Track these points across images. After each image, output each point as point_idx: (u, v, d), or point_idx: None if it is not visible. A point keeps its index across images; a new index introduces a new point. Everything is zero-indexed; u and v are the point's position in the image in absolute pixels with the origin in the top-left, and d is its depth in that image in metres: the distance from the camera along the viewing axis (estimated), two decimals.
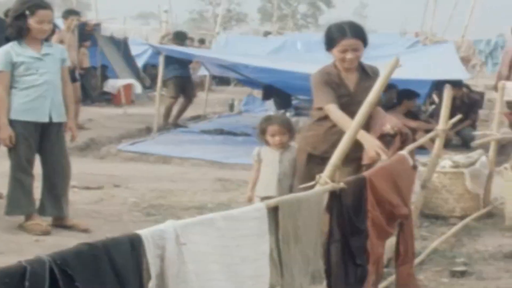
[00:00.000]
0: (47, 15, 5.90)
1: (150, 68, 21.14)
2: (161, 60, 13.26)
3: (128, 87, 17.74)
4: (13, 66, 5.86)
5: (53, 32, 6.20)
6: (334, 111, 4.95)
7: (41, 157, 6.10)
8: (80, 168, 7.79)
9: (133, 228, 5.97)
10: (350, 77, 5.16)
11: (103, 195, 7.73)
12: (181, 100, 14.34)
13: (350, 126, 4.72)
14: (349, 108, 4.91)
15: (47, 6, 5.96)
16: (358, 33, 5.08)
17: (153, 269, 2.47)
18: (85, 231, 6.08)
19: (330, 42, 5.10)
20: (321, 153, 5.08)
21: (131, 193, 7.92)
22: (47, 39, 6.05)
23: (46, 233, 5.94)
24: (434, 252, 6.02)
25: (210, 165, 10.28)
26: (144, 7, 72.94)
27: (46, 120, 5.94)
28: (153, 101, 14.64)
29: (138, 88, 18.76)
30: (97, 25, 17.84)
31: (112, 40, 19.15)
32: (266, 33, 26.99)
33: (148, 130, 13.40)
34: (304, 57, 14.22)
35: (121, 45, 19.53)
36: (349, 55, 5.03)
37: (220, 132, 13.47)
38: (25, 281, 2.06)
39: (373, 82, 5.01)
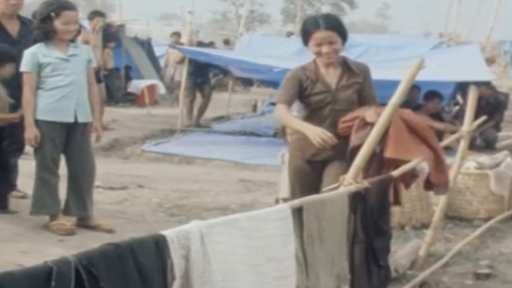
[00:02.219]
0: (72, 16, 5.94)
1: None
2: (185, 62, 13.49)
3: (151, 88, 17.81)
4: (40, 67, 5.91)
5: (79, 32, 6.23)
6: (282, 112, 4.74)
7: (66, 157, 6.13)
8: (104, 168, 7.83)
9: (156, 228, 6.00)
10: (331, 73, 4.84)
11: (127, 196, 7.76)
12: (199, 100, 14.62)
13: (293, 122, 4.73)
14: (332, 105, 4.77)
15: (72, 7, 6.00)
16: (332, 24, 4.74)
17: (178, 270, 2.48)
18: (109, 231, 6.11)
19: (305, 35, 4.81)
20: (309, 157, 4.86)
21: (154, 194, 7.95)
22: (73, 40, 6.09)
23: (70, 233, 5.97)
24: (458, 254, 5.99)
25: (233, 166, 10.29)
26: (167, 8, 73.18)
27: (71, 120, 5.98)
28: (176, 101, 14.72)
29: (161, 88, 18.83)
30: (122, 26, 17.95)
31: (136, 40, 19.25)
32: (289, 34, 26.97)
33: (171, 131, 13.46)
34: None
35: (145, 46, 19.64)
36: (324, 49, 4.70)
37: (243, 133, 13.49)
38: (51, 281, 2.07)
39: (359, 79, 4.83)
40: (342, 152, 4.49)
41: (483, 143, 11.86)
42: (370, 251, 3.98)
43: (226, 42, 25.90)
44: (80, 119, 6.01)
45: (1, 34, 6.69)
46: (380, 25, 79.79)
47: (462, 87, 12.96)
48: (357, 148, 4.14)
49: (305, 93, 4.81)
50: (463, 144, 5.81)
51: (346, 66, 4.85)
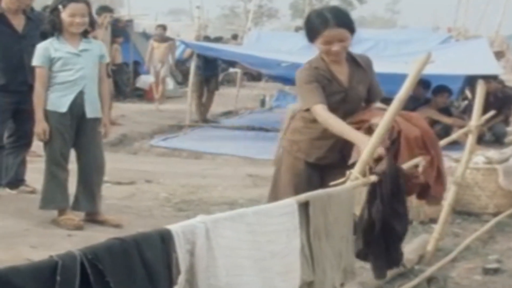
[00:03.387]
0: (79, 8, 5.92)
1: (181, 64, 21.22)
2: (194, 58, 13.54)
3: (157, 84, 17.81)
4: (51, 61, 5.92)
5: (92, 27, 6.18)
6: (322, 113, 4.28)
7: (76, 153, 6.14)
8: (112, 163, 7.83)
9: (164, 223, 5.95)
10: (341, 70, 4.47)
11: (135, 190, 7.77)
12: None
13: (342, 128, 4.18)
14: (345, 105, 4.44)
15: (79, 0, 6.01)
16: (343, 21, 4.35)
17: (183, 264, 2.48)
18: (117, 226, 6.12)
19: (312, 33, 4.39)
20: (314, 160, 4.53)
21: (162, 189, 7.95)
22: (85, 35, 6.09)
23: (78, 228, 5.98)
24: (466, 249, 5.98)
25: (241, 161, 10.31)
26: (175, 3, 73.23)
27: (80, 114, 5.98)
28: (185, 97, 14.74)
29: (170, 84, 18.84)
30: (130, 21, 17.94)
31: (145, 35, 19.26)
32: (298, 29, 26.93)
33: (180, 126, 13.48)
34: None
35: None
36: (334, 47, 4.32)
37: (251, 128, 13.50)
38: (57, 276, 2.07)
39: (367, 73, 4.53)
40: (349, 155, 4.25)
41: (492, 137, 11.84)
42: (387, 231, 3.95)
43: (234, 37, 25.91)
44: (89, 114, 6.00)
45: (7, 29, 6.73)
46: (389, 20, 79.63)
47: (470, 82, 12.93)
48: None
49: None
50: (471, 139, 5.79)
51: (353, 62, 4.52)
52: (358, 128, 4.27)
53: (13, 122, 6.87)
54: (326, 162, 4.52)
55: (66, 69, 5.92)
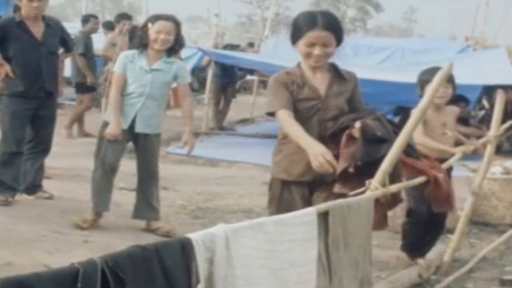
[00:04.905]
0: (166, 25, 6.05)
1: (198, 71, 21.26)
2: (212, 66, 13.57)
3: (176, 90, 17.82)
4: (124, 70, 6.10)
5: (180, 46, 6.28)
6: (285, 118, 4.09)
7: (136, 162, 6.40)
8: (129, 170, 7.86)
9: (180, 230, 6.02)
10: (320, 78, 4.26)
11: None
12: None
13: (297, 134, 4.01)
14: (319, 114, 4.21)
15: (168, 18, 6.13)
16: (331, 24, 4.15)
17: (202, 273, 2.48)
18: (167, 233, 6.15)
19: (296, 33, 4.20)
20: (296, 177, 4.27)
21: (179, 196, 7.96)
22: (170, 54, 6.19)
23: (93, 226, 6.14)
24: (483, 260, 5.95)
25: (257, 168, 10.29)
26: (193, 11, 73.45)
27: (133, 129, 6.15)
28: (201, 104, 14.76)
29: None
30: None
31: None
32: None
33: (196, 133, 13.48)
34: (352, 61, 14.20)
35: None
36: (316, 51, 4.13)
37: (268, 135, 13.50)
38: (78, 283, 2.08)
39: (350, 86, 4.29)
40: (328, 176, 4.03)
41: (510, 148, 11.79)
42: None
43: (251, 45, 25.95)
44: (138, 129, 6.17)
45: (26, 36, 6.78)
46: (406, 29, 79.52)
47: (487, 92, 12.89)
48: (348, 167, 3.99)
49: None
50: (489, 149, 5.76)
51: (336, 72, 4.30)
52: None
53: (32, 128, 6.91)
54: (308, 179, 4.24)
55: (131, 82, 6.10)
